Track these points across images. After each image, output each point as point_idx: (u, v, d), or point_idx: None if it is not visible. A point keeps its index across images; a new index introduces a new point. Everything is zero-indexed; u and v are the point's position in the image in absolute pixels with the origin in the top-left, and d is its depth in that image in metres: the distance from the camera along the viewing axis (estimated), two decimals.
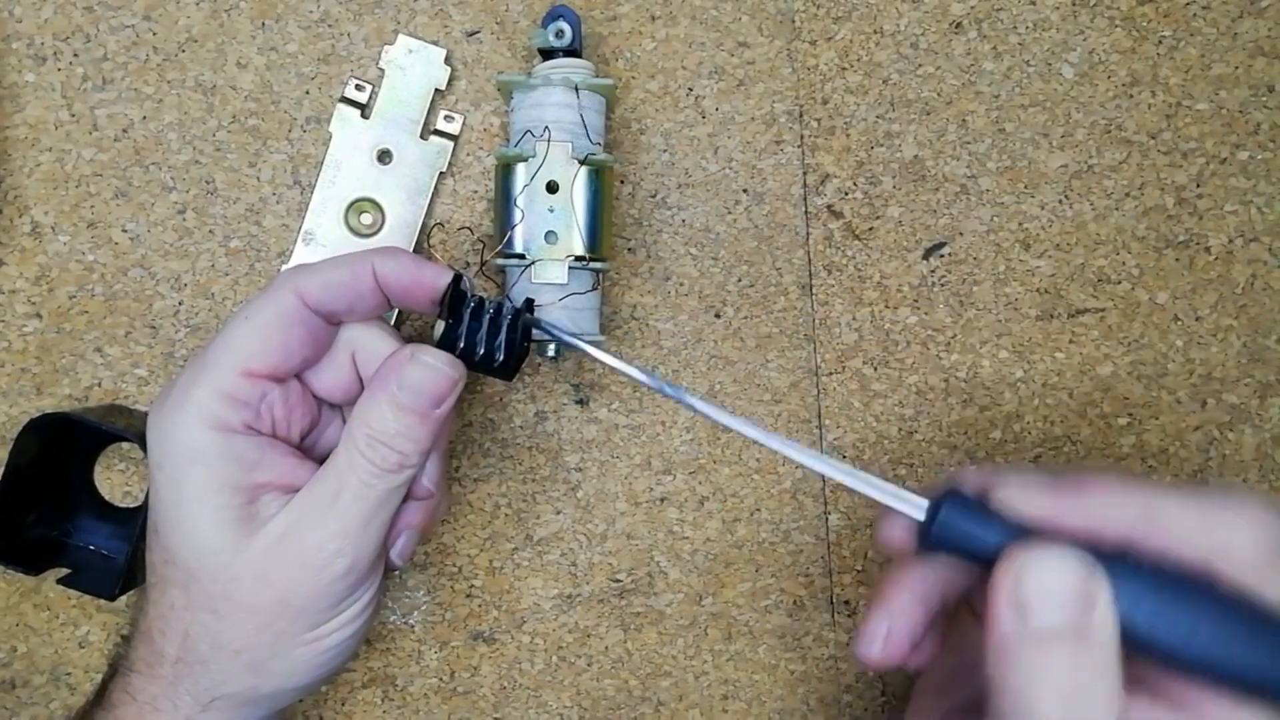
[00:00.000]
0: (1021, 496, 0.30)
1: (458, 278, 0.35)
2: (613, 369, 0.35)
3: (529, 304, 0.36)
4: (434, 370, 0.34)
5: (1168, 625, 0.28)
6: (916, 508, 0.31)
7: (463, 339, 0.35)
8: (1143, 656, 0.28)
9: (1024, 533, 0.29)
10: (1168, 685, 0.29)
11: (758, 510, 0.45)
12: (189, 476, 0.33)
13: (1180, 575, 0.28)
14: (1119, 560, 0.28)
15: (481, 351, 0.35)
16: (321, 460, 0.35)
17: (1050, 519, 0.29)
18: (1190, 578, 0.28)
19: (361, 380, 0.36)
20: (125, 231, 0.42)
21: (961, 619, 0.36)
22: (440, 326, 0.35)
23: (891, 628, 0.33)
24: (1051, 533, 0.29)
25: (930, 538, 0.30)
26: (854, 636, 0.34)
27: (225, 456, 0.33)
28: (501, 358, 0.35)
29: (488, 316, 0.35)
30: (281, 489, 0.34)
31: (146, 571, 0.35)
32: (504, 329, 0.35)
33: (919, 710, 0.37)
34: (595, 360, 0.36)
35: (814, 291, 0.44)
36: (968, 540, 0.29)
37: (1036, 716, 0.27)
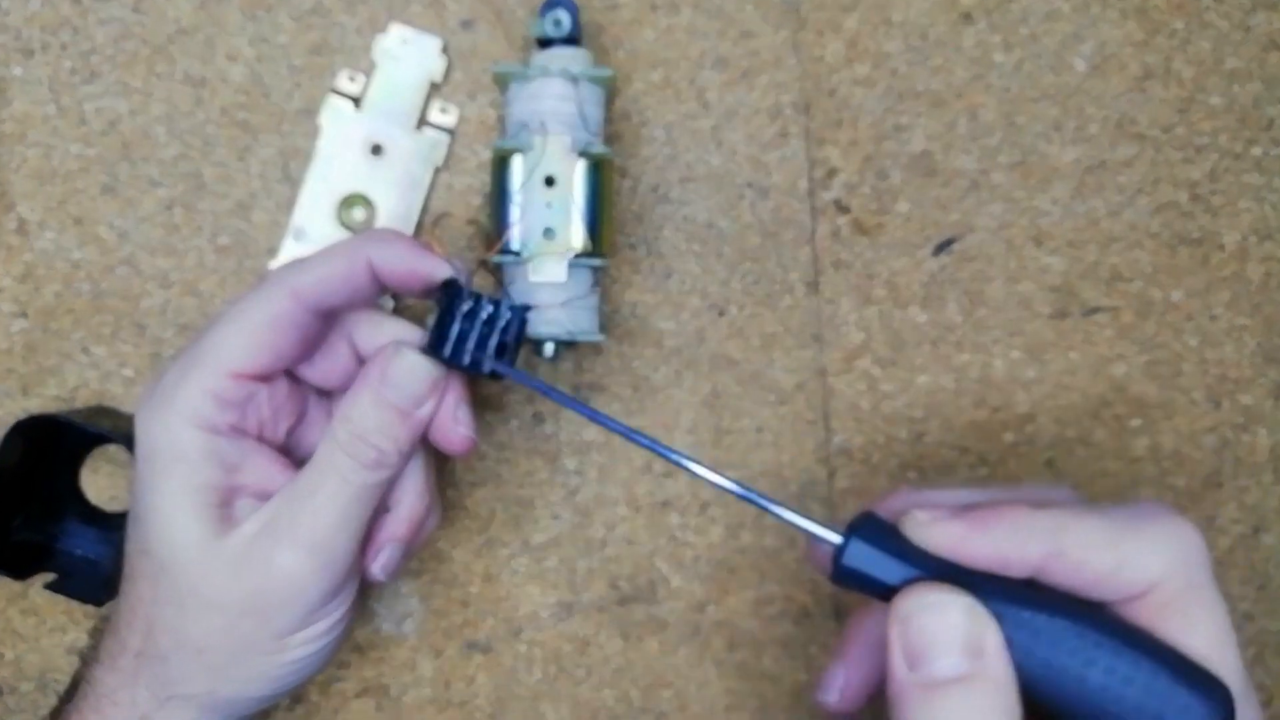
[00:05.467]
0: (931, 528, 0.29)
1: (452, 278, 0.35)
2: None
3: (525, 308, 0.36)
4: (416, 367, 0.35)
5: (1059, 671, 0.27)
6: (833, 536, 0.30)
7: (450, 341, 0.35)
8: (1037, 702, 0.27)
9: (931, 567, 0.29)
10: None
11: (762, 515, 0.44)
12: (170, 473, 0.33)
13: (1077, 614, 0.28)
14: (1017, 600, 0.28)
15: (469, 356, 0.35)
16: (303, 461, 0.35)
17: (958, 551, 0.29)
18: (1088, 617, 0.28)
19: (361, 364, 0.37)
20: (112, 228, 0.42)
21: None
22: (431, 321, 0.35)
23: (848, 677, 0.33)
24: (959, 565, 0.29)
25: (838, 570, 0.30)
26: (816, 685, 0.34)
27: (208, 456, 0.34)
28: (489, 365, 0.35)
29: (480, 318, 0.35)
30: (259, 494, 0.35)
31: (124, 563, 0.35)
32: (496, 332, 0.35)
33: None
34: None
35: (820, 289, 0.44)
36: (871, 576, 0.29)
37: None
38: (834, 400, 0.44)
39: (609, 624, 0.44)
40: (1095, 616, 0.28)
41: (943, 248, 0.44)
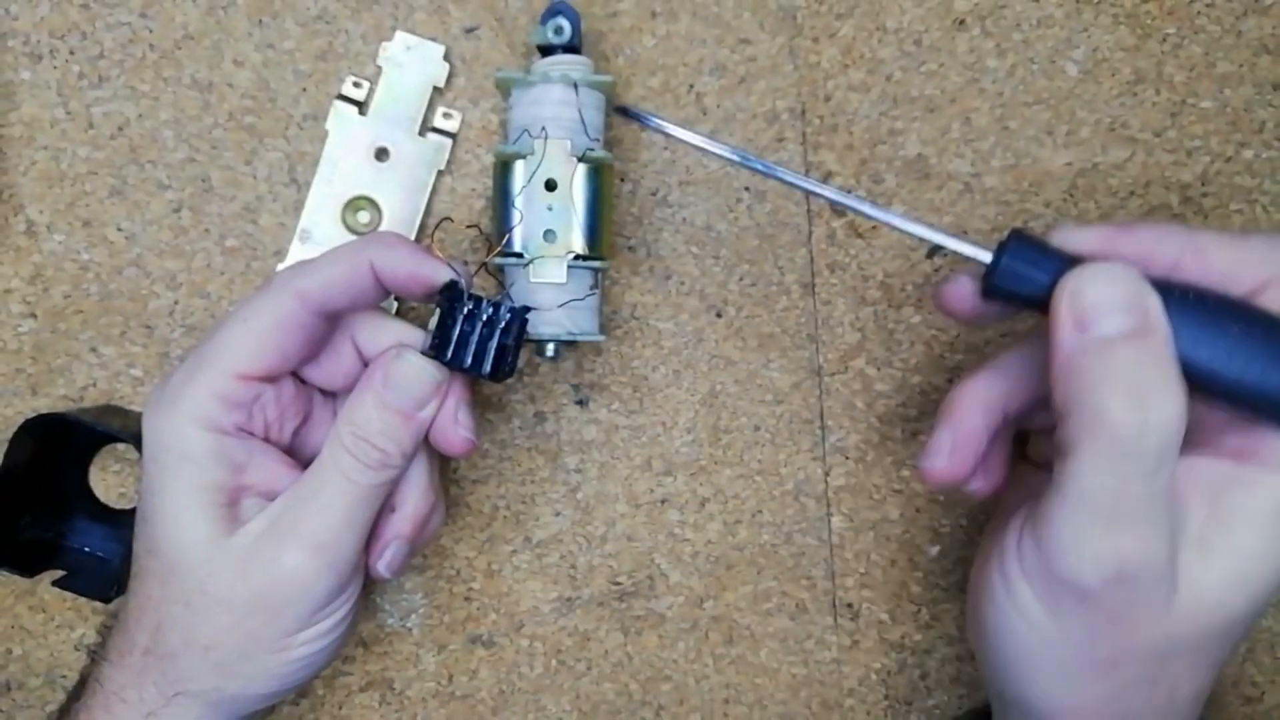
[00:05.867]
0: (1080, 231, 0.31)
1: (453, 281, 0.35)
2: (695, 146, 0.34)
3: (525, 309, 0.36)
4: (418, 370, 0.35)
5: (1210, 345, 0.29)
6: (983, 252, 0.31)
7: (452, 344, 0.35)
8: (1189, 380, 0.29)
9: (1079, 264, 0.30)
10: (1225, 439, 0.31)
11: (759, 512, 0.45)
12: (178, 473, 0.34)
13: (1222, 299, 0.30)
14: (1165, 284, 0.30)
15: (470, 358, 0.35)
16: (309, 461, 0.36)
17: (1106, 249, 0.31)
18: (1232, 302, 0.30)
19: (365, 366, 0.37)
20: (120, 230, 0.42)
21: (1022, 469, 0.37)
22: (432, 324, 0.35)
23: (955, 440, 0.34)
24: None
25: (995, 280, 0.31)
26: (920, 455, 0.35)
27: (215, 457, 0.34)
28: (490, 366, 0.35)
29: (481, 320, 0.35)
30: (265, 493, 0.35)
31: (132, 561, 0.36)
32: (497, 334, 0.35)
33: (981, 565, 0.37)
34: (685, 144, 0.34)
35: (816, 290, 0.44)
36: (1029, 279, 0.30)
37: (1108, 417, 0.28)
38: (829, 400, 0.44)
39: (609, 619, 0.44)
40: (1234, 299, 0.30)
41: (936, 250, 0.44)
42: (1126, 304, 0.29)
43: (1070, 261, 0.30)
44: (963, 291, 0.33)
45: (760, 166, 0.33)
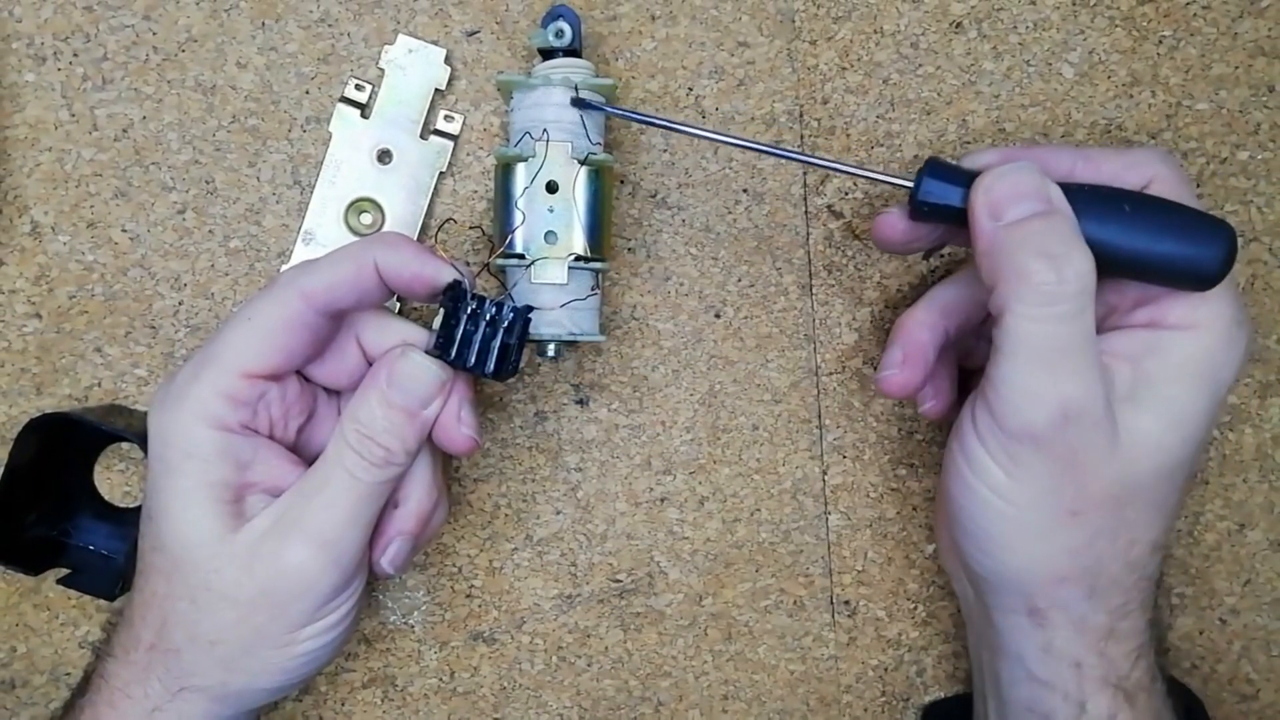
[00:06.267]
0: (987, 153, 0.37)
1: (456, 281, 0.35)
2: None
3: (528, 309, 0.36)
4: (423, 369, 0.35)
5: (1108, 223, 0.33)
6: (905, 180, 0.36)
7: (456, 343, 0.35)
8: (1096, 256, 0.33)
9: None
10: (1134, 314, 0.36)
11: (758, 510, 0.45)
12: (183, 470, 0.34)
13: (1113, 189, 0.35)
14: (1063, 183, 0.34)
15: (474, 357, 0.35)
16: (313, 459, 0.36)
17: (1003, 162, 0.35)
18: (1121, 190, 0.35)
19: (369, 364, 0.37)
20: (125, 231, 0.42)
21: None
22: (436, 323, 0.35)
23: (905, 353, 0.39)
24: None
25: (919, 200, 0.35)
26: (876, 374, 0.40)
27: (220, 454, 0.34)
28: (494, 365, 0.35)
29: (484, 320, 0.35)
30: (270, 490, 0.35)
31: (137, 558, 0.36)
32: (500, 333, 0.35)
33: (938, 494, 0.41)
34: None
35: (814, 291, 0.44)
36: (948, 194, 0.35)
37: (1030, 275, 0.32)
38: (827, 399, 0.45)
39: (609, 616, 0.45)
40: (1123, 190, 0.35)
41: (932, 252, 0.44)
42: (1031, 192, 0.33)
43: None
44: (893, 219, 0.37)
45: (708, 134, 0.37)
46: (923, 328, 0.39)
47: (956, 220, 0.35)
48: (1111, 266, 0.34)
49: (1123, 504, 0.34)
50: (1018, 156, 0.36)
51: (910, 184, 0.36)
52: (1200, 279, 0.34)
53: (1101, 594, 0.35)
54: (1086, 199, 0.34)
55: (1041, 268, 0.32)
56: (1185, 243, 0.34)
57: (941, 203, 0.35)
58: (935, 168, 0.35)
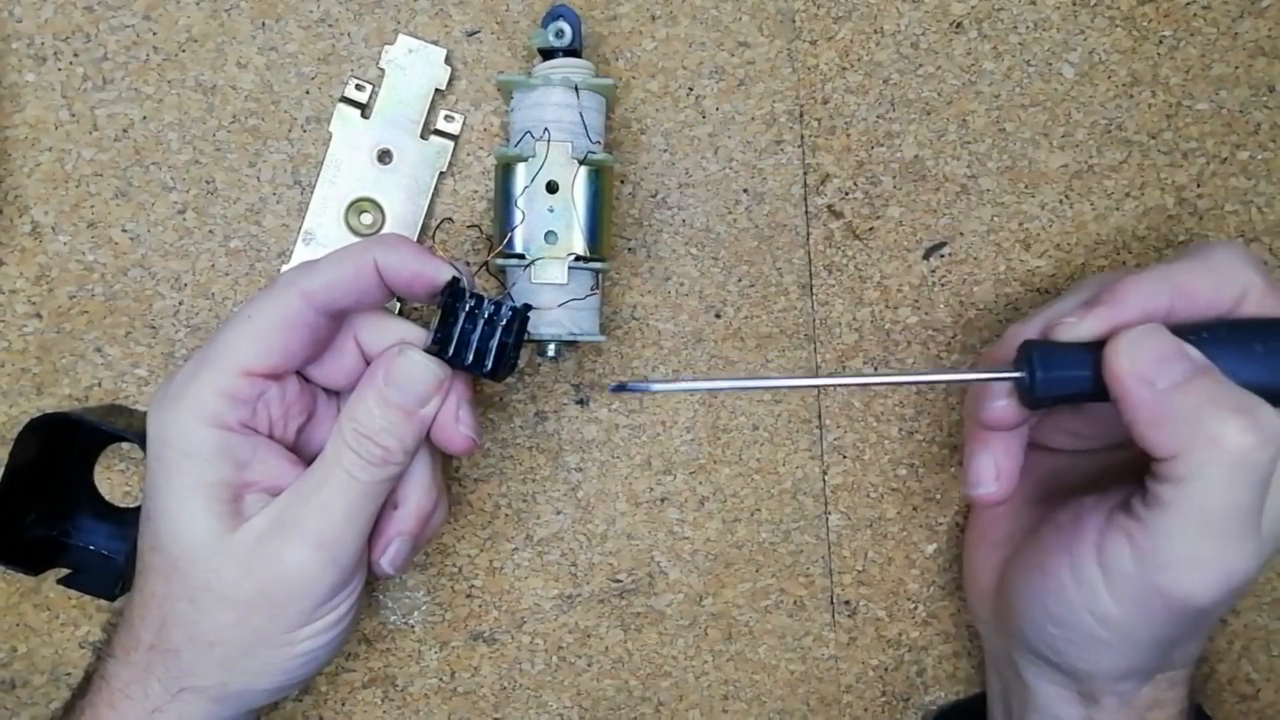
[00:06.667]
0: (1081, 325, 0.34)
1: (455, 279, 0.35)
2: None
3: (526, 307, 0.36)
4: (420, 368, 0.35)
5: (1244, 366, 0.32)
6: (1011, 372, 0.34)
7: (454, 342, 0.35)
8: None
9: (1101, 347, 0.33)
10: None
11: (758, 510, 0.45)
12: (182, 469, 0.34)
13: (1231, 324, 0.33)
14: (1181, 331, 0.33)
15: (472, 356, 0.35)
16: (312, 459, 0.36)
17: (1112, 329, 0.33)
18: (1238, 323, 0.33)
19: (368, 364, 0.37)
20: (125, 231, 0.42)
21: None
22: (434, 322, 0.35)
23: (999, 463, 0.37)
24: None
25: (1037, 392, 0.33)
26: (965, 480, 0.37)
27: (219, 453, 0.34)
28: (491, 364, 0.35)
29: (483, 319, 0.35)
30: (269, 489, 0.35)
31: (136, 559, 0.36)
32: (498, 332, 0.35)
33: (984, 529, 0.41)
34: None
35: (814, 291, 0.44)
36: (1069, 379, 0.33)
37: (1226, 439, 0.30)
38: (827, 399, 0.45)
39: (609, 616, 0.45)
40: (1239, 320, 0.34)
41: (933, 251, 0.44)
42: (1176, 352, 0.32)
43: (1094, 348, 0.33)
44: (1007, 411, 0.35)
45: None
46: (1015, 435, 0.36)
47: (1080, 399, 0.33)
48: None
49: (1208, 618, 0.35)
50: (1119, 316, 0.33)
51: (1019, 375, 0.33)
52: None
53: (1155, 676, 0.35)
54: (1216, 348, 0.32)
55: (1240, 427, 0.30)
56: None
57: (1066, 392, 0.33)
58: (1044, 355, 0.33)
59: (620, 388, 0.34)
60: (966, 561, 0.42)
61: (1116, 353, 0.32)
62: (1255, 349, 0.32)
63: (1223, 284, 0.34)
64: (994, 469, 0.36)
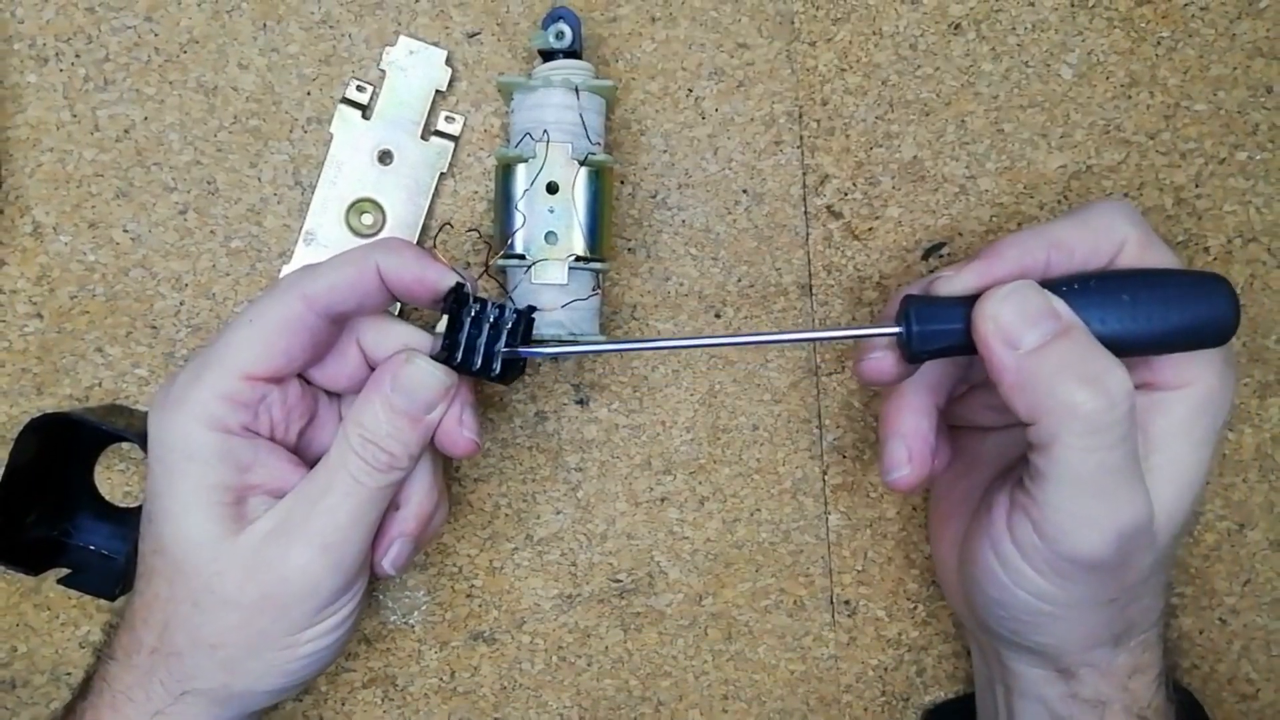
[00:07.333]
0: (958, 278, 0.34)
1: (459, 285, 0.35)
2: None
3: (530, 310, 0.36)
4: (427, 374, 0.35)
5: (1111, 316, 0.33)
6: (890, 327, 0.35)
7: (460, 347, 0.35)
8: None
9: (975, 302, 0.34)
10: (1133, 376, 0.33)
11: (758, 510, 0.45)
12: (184, 472, 0.34)
13: (1101, 275, 0.34)
14: (1052, 284, 0.33)
15: (479, 361, 0.35)
16: (315, 461, 0.36)
17: (988, 280, 0.34)
18: (1108, 275, 0.34)
19: (371, 369, 0.37)
20: (126, 232, 0.42)
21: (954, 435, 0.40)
22: (440, 327, 0.35)
23: (910, 447, 0.37)
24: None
25: (913, 345, 0.34)
26: (881, 468, 0.38)
27: (221, 457, 0.34)
28: (499, 368, 0.35)
29: (487, 323, 0.35)
30: (272, 492, 0.35)
31: (138, 561, 0.36)
32: (503, 336, 0.35)
33: (941, 522, 0.41)
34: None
35: (814, 292, 0.44)
36: (942, 333, 0.34)
37: (1077, 406, 0.31)
38: (827, 399, 0.45)
39: (609, 615, 0.45)
40: (1110, 272, 0.34)
41: (932, 252, 0.44)
42: (1041, 312, 0.32)
43: (968, 302, 0.33)
44: (884, 364, 0.36)
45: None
46: (919, 415, 0.37)
47: (955, 352, 0.34)
48: (1125, 353, 0.33)
49: (1151, 574, 0.35)
50: (994, 270, 0.34)
51: (897, 330, 0.34)
52: (1216, 337, 0.34)
53: (1125, 641, 0.36)
54: (1085, 299, 0.33)
55: (1088, 395, 0.31)
56: (1192, 310, 0.33)
57: (940, 345, 0.34)
58: (920, 309, 0.34)
59: (512, 353, 0.36)
60: (934, 555, 0.43)
61: (982, 314, 0.33)
62: (1123, 299, 0.33)
63: (1099, 238, 0.35)
64: (905, 452, 0.37)
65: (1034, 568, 0.34)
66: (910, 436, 0.37)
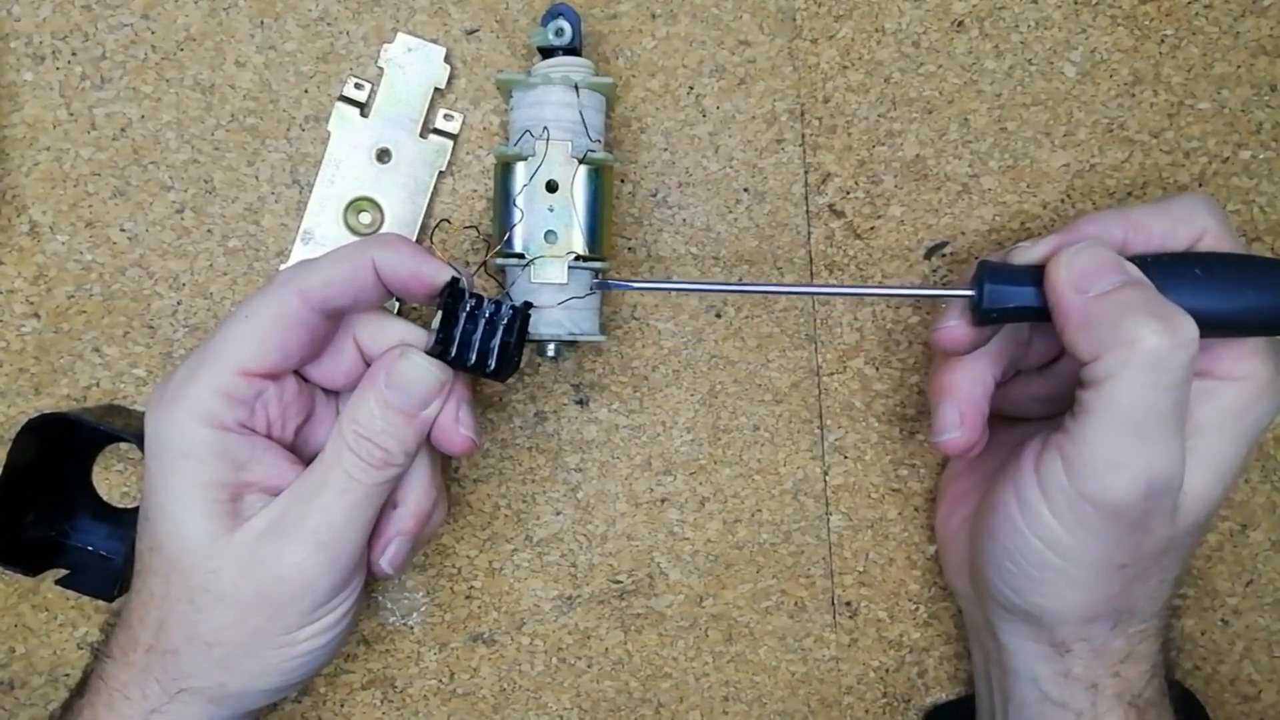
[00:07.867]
0: (1035, 248, 0.35)
1: (455, 279, 0.35)
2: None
3: (527, 306, 0.36)
4: (422, 370, 0.35)
5: (1184, 290, 0.33)
6: (964, 290, 0.35)
7: (455, 343, 0.35)
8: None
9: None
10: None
11: (759, 511, 0.45)
12: (180, 470, 0.34)
13: (1176, 254, 0.35)
14: (1129, 257, 0.34)
15: (474, 356, 0.35)
16: (311, 459, 0.36)
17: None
18: (1184, 255, 0.35)
19: (368, 366, 0.37)
20: (123, 231, 0.42)
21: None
22: (435, 323, 0.35)
23: (962, 410, 0.37)
24: None
25: (985, 306, 0.35)
26: (932, 430, 0.38)
27: (217, 454, 0.34)
28: (494, 364, 0.35)
29: (484, 319, 0.35)
30: (268, 489, 0.35)
31: (135, 559, 0.36)
32: (499, 332, 0.35)
33: (955, 501, 0.42)
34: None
35: None
36: (1014, 294, 0.35)
37: (1143, 341, 0.31)
38: (828, 399, 0.45)
39: (609, 617, 0.45)
40: (1184, 254, 0.35)
41: (934, 251, 0.44)
42: (1113, 265, 0.33)
43: (1041, 270, 0.34)
44: (956, 332, 0.36)
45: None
46: (974, 383, 0.38)
47: (1025, 317, 0.35)
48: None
49: (1166, 553, 0.35)
50: (1069, 240, 0.35)
51: (969, 293, 0.35)
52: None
53: (1124, 624, 0.36)
54: (1157, 271, 0.34)
55: (1155, 329, 0.31)
56: (1261, 294, 0.34)
57: (1011, 305, 0.35)
58: (994, 272, 0.35)
59: (602, 285, 0.38)
60: (939, 533, 0.43)
61: (1056, 263, 0.34)
62: (1195, 273, 0.34)
63: (1178, 225, 0.35)
64: (957, 415, 0.37)
65: (1053, 511, 0.34)
66: (965, 401, 0.37)
